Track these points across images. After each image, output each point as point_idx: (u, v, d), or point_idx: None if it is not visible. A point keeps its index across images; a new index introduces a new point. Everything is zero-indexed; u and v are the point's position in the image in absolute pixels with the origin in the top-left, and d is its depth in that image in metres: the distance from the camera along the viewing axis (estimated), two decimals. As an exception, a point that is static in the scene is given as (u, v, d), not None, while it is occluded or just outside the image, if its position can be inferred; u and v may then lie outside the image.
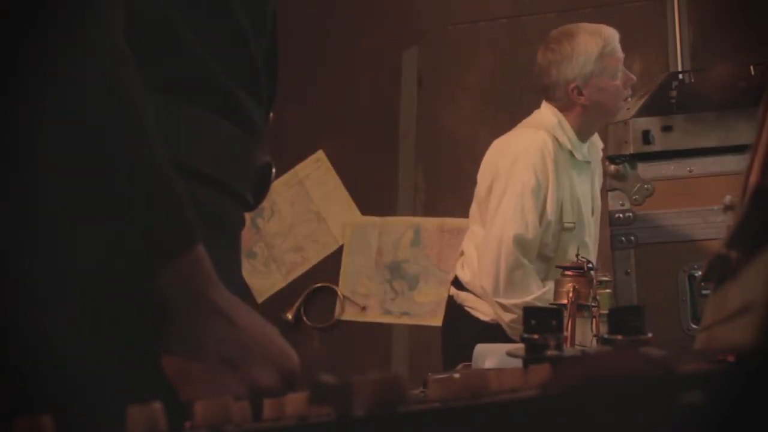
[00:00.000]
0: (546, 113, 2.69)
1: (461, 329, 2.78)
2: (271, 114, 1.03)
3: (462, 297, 2.80)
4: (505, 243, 2.55)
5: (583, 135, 2.68)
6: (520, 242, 2.57)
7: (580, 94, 2.62)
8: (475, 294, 2.76)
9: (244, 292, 1.00)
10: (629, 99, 2.65)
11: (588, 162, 2.72)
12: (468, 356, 2.21)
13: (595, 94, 2.62)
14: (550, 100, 2.70)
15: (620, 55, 2.67)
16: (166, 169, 0.74)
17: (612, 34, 2.68)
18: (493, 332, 2.64)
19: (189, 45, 0.86)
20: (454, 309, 2.84)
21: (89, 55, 0.73)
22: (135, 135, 0.73)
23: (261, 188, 0.99)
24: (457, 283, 2.84)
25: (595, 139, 2.78)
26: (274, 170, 1.01)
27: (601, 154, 2.78)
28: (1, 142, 0.72)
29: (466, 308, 2.78)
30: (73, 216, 0.72)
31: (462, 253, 2.86)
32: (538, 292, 2.59)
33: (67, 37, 0.72)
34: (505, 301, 2.60)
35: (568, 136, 2.64)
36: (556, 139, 2.63)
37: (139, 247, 0.72)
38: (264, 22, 0.97)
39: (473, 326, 2.72)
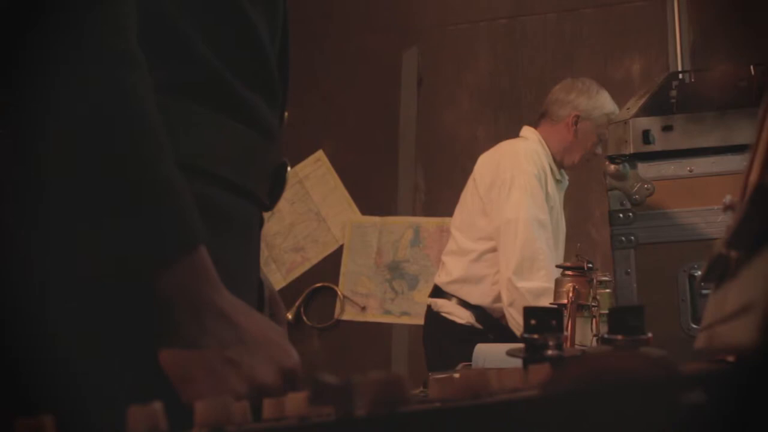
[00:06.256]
0: (528, 134, 3.00)
1: (440, 335, 2.96)
2: (286, 114, 1.03)
3: (438, 304, 2.97)
4: (522, 222, 2.75)
5: (554, 161, 2.97)
6: (535, 220, 2.76)
7: (575, 124, 2.94)
8: (450, 298, 2.92)
9: (259, 291, 1.00)
10: (590, 158, 2.96)
11: (560, 181, 3.01)
12: (448, 360, 2.28)
13: (582, 133, 2.94)
14: (543, 118, 3.01)
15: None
16: (171, 172, 0.74)
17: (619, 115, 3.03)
18: (470, 335, 2.82)
19: (202, 47, 0.86)
20: (431, 317, 3.01)
21: (98, 58, 0.73)
22: (140, 139, 0.73)
23: (277, 188, 1.00)
24: (434, 293, 3.02)
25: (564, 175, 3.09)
26: (289, 170, 1.02)
27: (565, 187, 3.10)
28: (6, 143, 0.72)
29: (443, 314, 2.95)
30: (75, 216, 0.72)
31: (443, 264, 3.04)
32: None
33: (76, 39, 0.72)
34: (520, 283, 2.68)
35: (545, 152, 2.95)
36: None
37: (140, 249, 0.72)
38: (276, 23, 0.97)
39: (451, 330, 2.90)
